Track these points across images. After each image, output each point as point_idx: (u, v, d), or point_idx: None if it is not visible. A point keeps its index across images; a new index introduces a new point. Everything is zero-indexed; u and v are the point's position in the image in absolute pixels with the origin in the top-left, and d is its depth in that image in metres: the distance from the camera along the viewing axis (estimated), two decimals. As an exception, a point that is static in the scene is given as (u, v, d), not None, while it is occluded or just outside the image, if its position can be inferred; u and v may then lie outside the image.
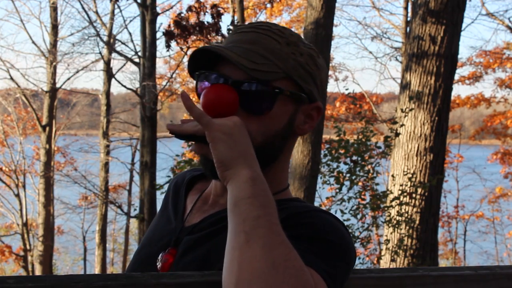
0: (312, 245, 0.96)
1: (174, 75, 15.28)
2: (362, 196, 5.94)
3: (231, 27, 9.70)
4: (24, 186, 16.83)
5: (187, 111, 0.99)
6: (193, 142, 1.06)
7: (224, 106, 1.03)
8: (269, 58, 1.06)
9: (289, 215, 1.02)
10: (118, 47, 15.69)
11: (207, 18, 11.45)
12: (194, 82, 1.13)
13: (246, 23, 1.18)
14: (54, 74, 15.73)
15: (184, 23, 10.21)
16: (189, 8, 10.30)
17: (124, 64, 17.16)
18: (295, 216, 1.02)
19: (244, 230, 0.88)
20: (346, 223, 5.73)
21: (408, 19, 13.89)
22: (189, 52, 10.88)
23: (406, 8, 14.71)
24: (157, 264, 1.11)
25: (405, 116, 6.19)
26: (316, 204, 5.97)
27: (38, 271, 15.01)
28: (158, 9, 11.88)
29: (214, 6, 10.32)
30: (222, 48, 1.04)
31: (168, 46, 10.57)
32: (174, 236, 1.14)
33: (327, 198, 6.96)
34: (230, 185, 0.96)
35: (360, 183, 5.96)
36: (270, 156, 1.09)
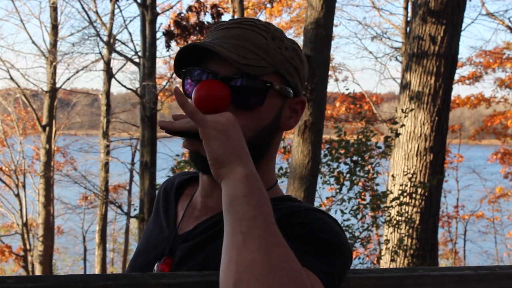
0: (308, 245, 0.95)
1: (174, 75, 15.27)
2: (362, 196, 5.93)
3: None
4: (24, 186, 16.83)
5: (180, 107, 0.98)
6: (185, 138, 1.05)
7: (217, 102, 1.02)
8: (257, 53, 1.06)
9: (284, 215, 1.01)
10: (118, 47, 15.71)
11: (207, 18, 11.47)
12: (181, 80, 1.12)
13: (227, 19, 1.16)
14: (54, 74, 15.73)
15: (184, 23, 10.22)
16: (189, 8, 10.31)
17: (124, 64, 17.17)
18: (290, 216, 1.01)
19: (241, 230, 0.87)
20: (346, 223, 5.73)
21: (408, 19, 13.89)
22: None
23: (406, 8, 14.70)
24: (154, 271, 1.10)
25: (405, 116, 6.19)
26: (316, 204, 5.97)
27: (38, 271, 15.01)
28: (158, 9, 11.88)
29: (214, 6, 10.32)
30: (212, 44, 1.03)
31: (168, 46, 10.58)
32: (168, 245, 1.12)
33: (327, 198, 6.96)
34: (224, 183, 0.95)
35: (360, 183, 5.96)
36: (259, 152, 1.09)
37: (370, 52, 23.54)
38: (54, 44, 15.79)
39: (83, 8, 14.58)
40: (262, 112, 1.06)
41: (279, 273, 0.83)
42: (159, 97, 12.34)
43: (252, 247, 0.85)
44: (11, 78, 15.92)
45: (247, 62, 1.04)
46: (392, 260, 6.06)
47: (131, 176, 17.85)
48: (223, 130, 0.96)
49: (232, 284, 0.84)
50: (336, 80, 18.24)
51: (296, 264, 0.86)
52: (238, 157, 0.96)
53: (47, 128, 15.34)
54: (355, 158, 5.79)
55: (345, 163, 5.88)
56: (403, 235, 6.06)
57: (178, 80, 17.91)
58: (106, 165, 15.67)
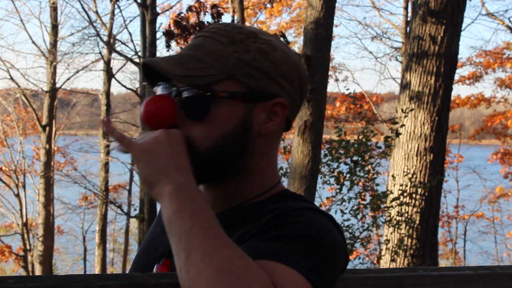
0: (296, 244, 0.94)
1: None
2: (362, 196, 5.93)
3: None
4: (24, 186, 16.83)
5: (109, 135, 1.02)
6: None
7: (160, 117, 1.04)
8: (206, 61, 1.05)
9: (278, 214, 1.01)
10: (118, 47, 15.73)
11: (207, 18, 11.47)
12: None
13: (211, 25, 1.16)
14: (54, 74, 15.74)
15: (184, 23, 10.21)
16: (189, 8, 10.30)
17: (124, 64, 17.20)
18: (283, 215, 1.01)
19: (182, 247, 0.87)
20: (346, 223, 5.72)
21: (408, 19, 13.89)
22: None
23: (406, 8, 14.71)
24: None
25: (405, 116, 6.19)
26: (316, 204, 5.96)
27: (38, 271, 15.01)
28: (158, 9, 11.88)
29: (214, 6, 10.32)
30: (157, 59, 1.05)
31: (168, 46, 10.57)
32: (167, 247, 1.13)
33: (327, 198, 6.96)
34: (160, 204, 0.96)
35: (360, 183, 5.96)
36: (228, 159, 1.06)
37: (370, 52, 23.60)
38: (54, 44, 15.80)
39: (83, 8, 14.65)
40: (215, 120, 1.04)
41: (228, 275, 0.83)
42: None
43: (195, 259, 0.85)
44: (11, 78, 15.95)
45: (188, 73, 1.03)
46: (392, 260, 6.06)
47: (131, 176, 17.85)
48: (148, 150, 0.98)
49: None
50: (336, 80, 18.25)
51: (243, 261, 0.85)
52: (165, 175, 0.95)
53: (47, 128, 15.34)
54: (355, 158, 5.79)
55: (345, 163, 5.87)
56: (403, 235, 6.06)
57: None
58: (106, 165, 15.68)
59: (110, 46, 14.79)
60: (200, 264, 0.84)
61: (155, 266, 1.10)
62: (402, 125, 6.20)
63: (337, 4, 6.69)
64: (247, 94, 1.05)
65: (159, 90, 1.09)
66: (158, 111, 1.04)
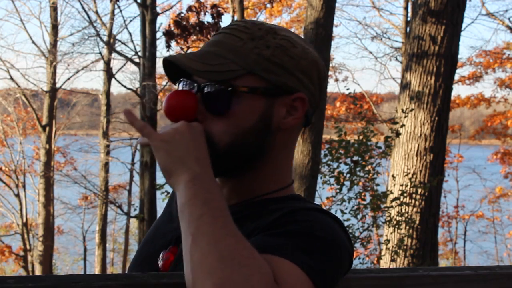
0: (299, 241, 0.95)
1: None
2: (362, 196, 5.93)
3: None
4: (24, 186, 16.83)
5: (131, 126, 1.05)
6: None
7: (182, 111, 1.06)
8: (226, 57, 1.06)
9: (285, 213, 1.02)
10: (118, 47, 15.71)
11: (207, 18, 11.46)
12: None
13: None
14: (54, 74, 15.75)
15: (184, 23, 10.22)
16: (189, 8, 10.31)
17: (124, 64, 17.18)
18: (288, 214, 1.02)
19: (191, 232, 0.90)
20: (346, 223, 5.72)
21: (408, 19, 13.89)
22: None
23: (406, 8, 14.71)
24: (159, 262, 1.11)
25: (405, 116, 6.19)
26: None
27: (38, 271, 15.01)
28: (158, 9, 11.89)
29: (214, 6, 10.33)
30: (178, 56, 1.07)
31: (168, 46, 10.59)
32: (175, 234, 1.13)
33: (327, 198, 6.97)
34: (176, 192, 0.98)
35: (360, 183, 5.96)
36: (247, 155, 1.08)
37: (370, 52, 23.60)
38: (54, 44, 15.80)
39: (83, 8, 14.61)
40: (237, 115, 1.05)
41: (230, 262, 0.85)
42: (159, 97, 12.35)
43: (201, 244, 0.87)
44: (11, 78, 15.94)
45: (209, 69, 1.05)
46: (392, 260, 6.06)
47: (131, 176, 17.85)
48: (168, 140, 1.01)
49: (191, 283, 0.86)
50: (336, 80, 18.25)
51: (247, 252, 0.87)
52: (183, 163, 0.98)
53: (47, 128, 15.35)
54: (355, 158, 5.79)
55: (345, 163, 5.88)
56: (403, 235, 6.06)
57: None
58: (106, 165, 15.68)
59: (110, 46, 14.79)
60: (205, 249, 0.86)
61: (162, 252, 1.12)
62: (402, 125, 6.20)
63: (337, 4, 6.70)
64: (267, 89, 1.07)
65: (180, 86, 1.11)
66: (180, 105, 1.06)
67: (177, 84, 1.13)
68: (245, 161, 1.08)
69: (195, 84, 1.08)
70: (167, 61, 1.09)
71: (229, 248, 0.86)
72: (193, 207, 0.92)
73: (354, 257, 6.51)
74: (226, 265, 0.84)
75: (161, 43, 21.72)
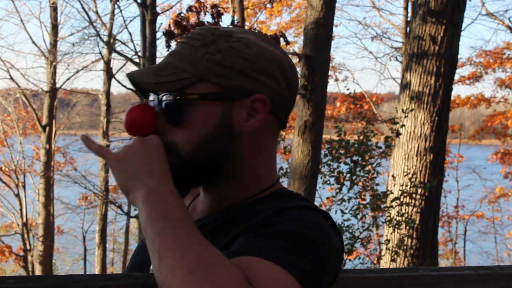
0: (283, 240, 0.93)
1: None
2: (362, 196, 5.93)
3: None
4: (24, 186, 16.83)
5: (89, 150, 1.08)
6: None
7: (140, 126, 1.07)
8: (178, 67, 1.06)
9: (272, 213, 1.01)
10: (118, 47, 15.72)
11: (207, 18, 11.45)
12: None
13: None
14: (54, 74, 15.75)
15: (184, 23, 10.21)
16: (189, 8, 10.29)
17: (124, 64, 17.15)
18: (276, 214, 1.01)
19: (155, 249, 0.89)
20: (346, 223, 5.72)
21: (408, 19, 13.89)
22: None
23: (406, 8, 14.70)
24: (150, 271, 1.09)
25: (405, 117, 6.19)
26: (316, 204, 5.96)
27: (38, 271, 15.01)
28: (158, 9, 11.87)
29: (214, 6, 10.31)
30: (135, 72, 1.09)
31: (168, 46, 10.56)
32: None
33: (327, 198, 6.97)
34: (137, 210, 0.98)
35: (360, 183, 5.96)
36: (213, 161, 1.06)
37: (370, 52, 23.66)
38: (54, 44, 15.80)
39: (83, 8, 14.65)
40: (193, 123, 1.05)
41: (199, 273, 0.84)
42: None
43: (167, 259, 0.86)
44: (11, 78, 15.95)
45: (160, 80, 1.05)
46: (392, 260, 6.06)
47: (131, 176, 17.81)
48: (121, 158, 1.02)
49: None
50: (336, 80, 18.25)
51: (215, 259, 0.86)
52: (137, 179, 0.99)
53: (47, 128, 15.34)
54: (355, 158, 5.79)
55: (345, 163, 5.87)
56: (403, 235, 6.06)
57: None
58: (106, 165, 15.65)
59: (110, 46, 14.79)
60: (172, 264, 0.85)
61: None
62: (402, 125, 6.20)
63: (337, 4, 6.69)
64: (221, 94, 1.05)
65: (149, 100, 1.12)
66: (138, 119, 1.07)
67: (147, 97, 1.14)
68: (214, 168, 1.07)
69: (156, 97, 1.08)
70: (129, 78, 1.10)
71: (196, 258, 0.85)
72: (153, 223, 0.91)
73: (354, 257, 6.53)
74: (194, 276, 0.83)
75: (161, 43, 21.76)
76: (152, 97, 1.11)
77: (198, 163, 1.05)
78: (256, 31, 1.21)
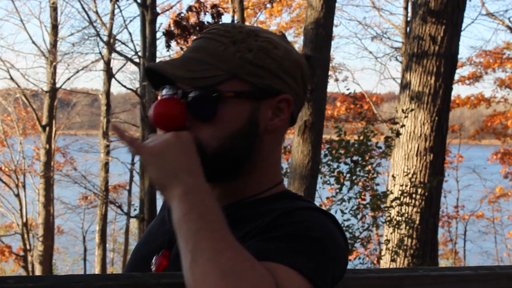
0: (294, 243, 0.95)
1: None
2: (362, 196, 5.93)
3: None
4: (24, 186, 16.83)
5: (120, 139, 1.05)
6: None
7: (171, 120, 1.05)
8: (210, 63, 1.06)
9: (279, 215, 1.02)
10: (118, 47, 15.72)
11: (207, 18, 11.44)
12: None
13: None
14: (54, 74, 15.75)
15: (184, 23, 10.22)
16: (189, 8, 10.30)
17: (124, 64, 17.22)
18: (284, 216, 1.02)
19: (189, 250, 0.88)
20: (346, 223, 5.72)
21: (408, 19, 13.89)
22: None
23: (406, 8, 14.70)
24: (152, 267, 1.10)
25: (405, 117, 6.19)
26: (316, 204, 5.96)
27: (38, 271, 15.01)
28: (158, 9, 11.87)
29: (214, 6, 10.32)
30: (160, 63, 1.07)
31: (168, 46, 10.58)
32: (168, 238, 1.13)
33: (327, 198, 6.97)
34: (172, 207, 0.97)
35: (360, 183, 5.96)
36: (236, 158, 1.07)
37: (370, 52, 23.64)
38: (54, 44, 15.80)
39: (83, 8, 14.62)
40: (223, 120, 1.05)
41: (231, 277, 0.84)
42: (159, 97, 12.35)
43: (201, 261, 0.86)
44: (11, 78, 15.95)
45: (194, 75, 1.05)
46: (392, 260, 6.06)
47: (131, 176, 17.83)
48: (158, 153, 0.99)
49: None
50: (336, 80, 18.24)
51: (248, 264, 0.87)
52: (175, 177, 0.97)
53: (47, 128, 15.34)
54: (355, 158, 5.79)
55: (345, 163, 5.88)
56: (403, 235, 6.06)
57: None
58: (106, 165, 15.68)
59: (110, 46, 14.79)
60: (206, 266, 0.85)
61: (154, 257, 1.11)
62: (402, 125, 6.20)
63: (337, 4, 6.70)
64: (252, 92, 1.07)
65: (164, 93, 1.10)
66: (168, 113, 1.05)
67: (160, 90, 1.12)
68: (234, 165, 1.08)
69: (179, 91, 1.07)
70: (149, 69, 1.09)
71: (230, 262, 0.86)
72: (189, 222, 0.91)
73: (354, 257, 6.54)
74: (228, 281, 0.84)
75: (161, 43, 21.74)
76: (170, 90, 1.09)
77: (222, 160, 1.06)
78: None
